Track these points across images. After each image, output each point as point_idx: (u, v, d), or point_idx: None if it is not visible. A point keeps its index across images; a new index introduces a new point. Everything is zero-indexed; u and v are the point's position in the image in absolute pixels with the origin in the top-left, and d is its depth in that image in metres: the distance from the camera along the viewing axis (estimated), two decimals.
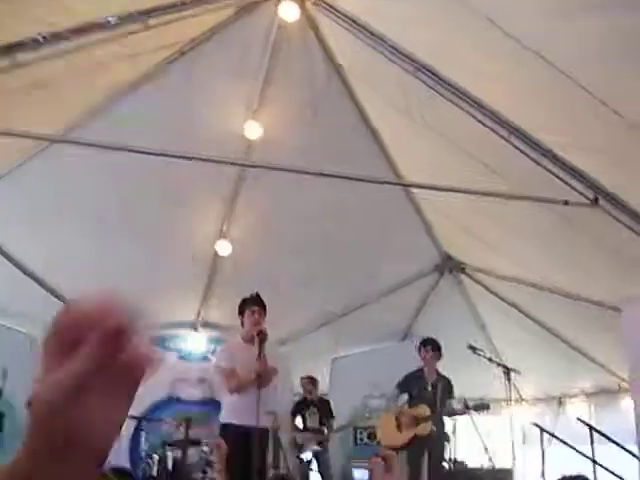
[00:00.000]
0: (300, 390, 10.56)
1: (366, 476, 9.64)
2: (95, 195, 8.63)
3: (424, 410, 7.89)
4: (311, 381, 10.35)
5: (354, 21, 6.80)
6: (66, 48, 6.11)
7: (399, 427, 7.99)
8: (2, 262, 9.30)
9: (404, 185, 8.98)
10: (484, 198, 7.19)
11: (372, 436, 10.90)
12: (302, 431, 9.99)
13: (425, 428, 7.84)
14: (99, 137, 6.70)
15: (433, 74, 6.66)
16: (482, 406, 7.94)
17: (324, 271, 9.92)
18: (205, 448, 8.22)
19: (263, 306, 6.28)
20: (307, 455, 9.77)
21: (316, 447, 9.82)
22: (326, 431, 10.12)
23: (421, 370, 8.27)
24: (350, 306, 10.88)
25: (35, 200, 8.61)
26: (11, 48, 5.83)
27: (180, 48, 7.29)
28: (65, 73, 6.67)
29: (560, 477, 6.70)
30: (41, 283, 9.74)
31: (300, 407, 10.22)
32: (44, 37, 5.88)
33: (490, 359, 7.78)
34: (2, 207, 8.68)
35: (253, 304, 6.25)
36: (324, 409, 10.19)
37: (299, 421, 10.14)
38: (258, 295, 6.33)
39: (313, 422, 10.05)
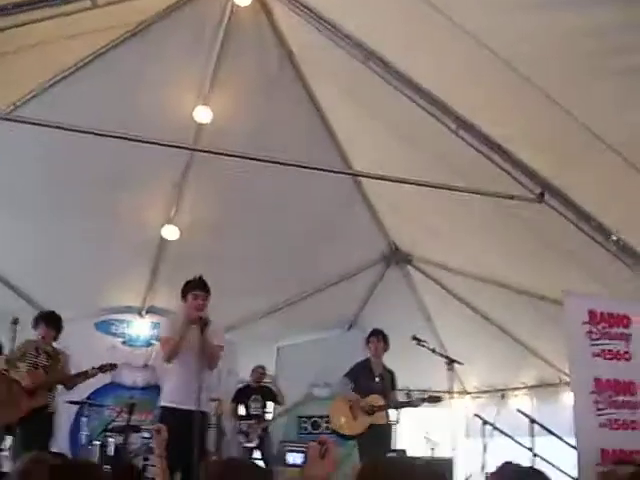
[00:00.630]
0: (245, 377, 10.54)
1: (300, 460, 9.64)
2: (40, 176, 8.45)
3: (378, 400, 7.91)
4: (263, 371, 10.34)
5: (307, 7, 6.76)
6: (12, 23, 5.95)
7: (354, 416, 7.98)
8: None
9: (353, 174, 8.98)
10: (433, 190, 7.22)
11: (316, 425, 10.91)
12: (245, 418, 9.98)
13: (381, 417, 7.86)
14: (45, 116, 6.54)
15: (383, 63, 6.65)
16: (434, 398, 8.01)
17: (271, 258, 9.88)
18: (146, 434, 8.17)
19: (207, 291, 6.19)
20: (252, 443, 9.77)
21: (261, 433, 9.83)
22: (269, 417, 10.14)
23: (368, 360, 8.28)
24: (297, 294, 10.87)
25: None
26: None
27: (131, 29, 7.18)
28: (11, 49, 6.51)
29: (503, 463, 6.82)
30: None
31: (243, 394, 10.20)
32: None
33: (434, 350, 7.83)
34: None
35: (197, 288, 6.16)
36: (266, 396, 10.20)
37: (242, 409, 10.12)
38: (202, 279, 6.24)
39: (256, 409, 10.04)
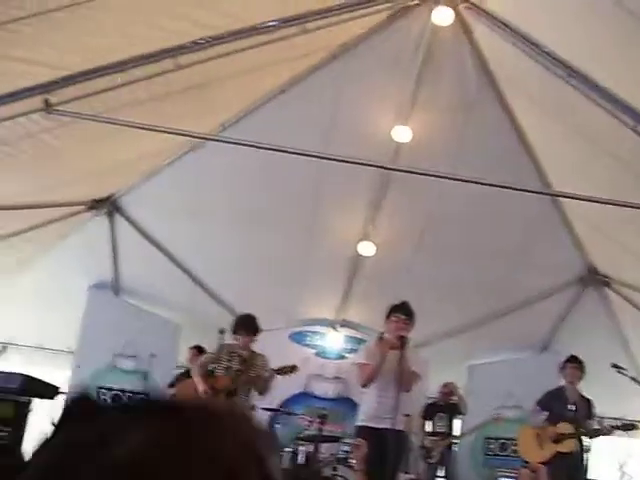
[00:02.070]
0: (434, 393, 10.52)
1: None
2: (245, 191, 8.93)
3: (567, 428, 7.69)
4: (452, 389, 10.22)
5: (508, 26, 6.69)
6: (225, 51, 6.34)
7: (540, 443, 7.81)
8: (155, 253, 9.78)
9: (551, 195, 8.76)
10: (636, 210, 6.93)
11: (503, 448, 10.71)
12: (430, 435, 9.95)
13: (568, 446, 7.64)
14: (251, 137, 6.90)
15: (587, 80, 6.46)
16: (628, 426, 7.68)
17: (465, 277, 9.84)
18: (345, 447, 8.29)
19: (410, 315, 6.34)
20: (433, 459, 9.73)
21: (443, 450, 9.77)
22: (455, 434, 10.06)
23: (562, 388, 8.07)
24: (489, 314, 10.71)
25: (187, 194, 9.02)
26: (175, 50, 6.12)
27: (333, 51, 7.42)
28: (222, 75, 6.93)
29: None
30: (189, 274, 10.17)
31: (430, 411, 10.17)
32: (206, 40, 6.14)
33: (634, 379, 7.50)
34: (157, 200, 9.14)
35: (398, 311, 6.32)
36: (453, 413, 10.10)
37: (428, 425, 10.11)
38: (406, 304, 6.39)
39: (441, 427, 9.99)
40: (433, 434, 9.96)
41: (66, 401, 0.77)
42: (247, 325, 7.48)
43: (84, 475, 0.67)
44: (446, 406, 10.17)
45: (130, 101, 6.65)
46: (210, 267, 10.07)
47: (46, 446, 0.72)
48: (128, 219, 9.59)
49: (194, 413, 0.74)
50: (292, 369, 7.60)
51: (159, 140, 7.59)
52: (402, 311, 6.33)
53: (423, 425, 10.09)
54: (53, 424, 0.74)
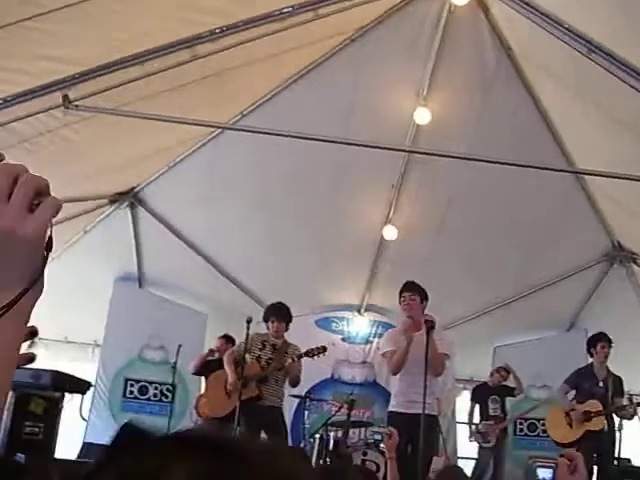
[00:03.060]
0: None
1: (549, 475, 9.42)
2: (265, 178, 8.92)
3: (596, 405, 7.65)
4: (506, 373, 10.06)
5: (526, 2, 6.60)
6: (241, 40, 6.31)
7: (569, 423, 7.78)
8: (178, 244, 9.80)
9: (575, 172, 8.67)
10: None
11: (532, 427, 10.66)
12: (485, 419, 9.82)
13: (597, 424, 7.60)
14: (270, 124, 6.89)
15: (609, 55, 6.36)
16: None
17: (489, 258, 9.78)
18: (377, 436, 8.29)
19: (413, 290, 6.32)
20: (489, 444, 9.61)
21: (499, 434, 9.63)
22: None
23: (590, 366, 8.01)
24: (515, 294, 10.64)
25: (208, 184, 9.02)
26: (191, 41, 6.10)
27: (350, 35, 7.38)
28: (239, 64, 6.90)
29: None
30: (213, 264, 10.18)
31: (480, 394, 10.04)
32: (221, 29, 6.12)
33: None
34: (178, 191, 9.15)
35: (403, 292, 6.35)
36: (505, 395, 9.94)
37: (477, 409, 9.98)
38: (408, 282, 6.41)
39: (495, 409, 9.83)
40: (488, 418, 9.83)
41: (115, 432, 0.78)
42: (279, 313, 7.53)
43: None
44: (498, 388, 10.00)
45: (148, 93, 6.65)
46: (234, 256, 10.07)
47: (98, 476, 0.72)
48: (150, 211, 9.61)
49: (234, 451, 0.77)
50: (322, 350, 7.62)
51: (178, 131, 7.60)
52: (405, 290, 6.35)
53: (472, 409, 10.02)
54: (104, 454, 0.74)
